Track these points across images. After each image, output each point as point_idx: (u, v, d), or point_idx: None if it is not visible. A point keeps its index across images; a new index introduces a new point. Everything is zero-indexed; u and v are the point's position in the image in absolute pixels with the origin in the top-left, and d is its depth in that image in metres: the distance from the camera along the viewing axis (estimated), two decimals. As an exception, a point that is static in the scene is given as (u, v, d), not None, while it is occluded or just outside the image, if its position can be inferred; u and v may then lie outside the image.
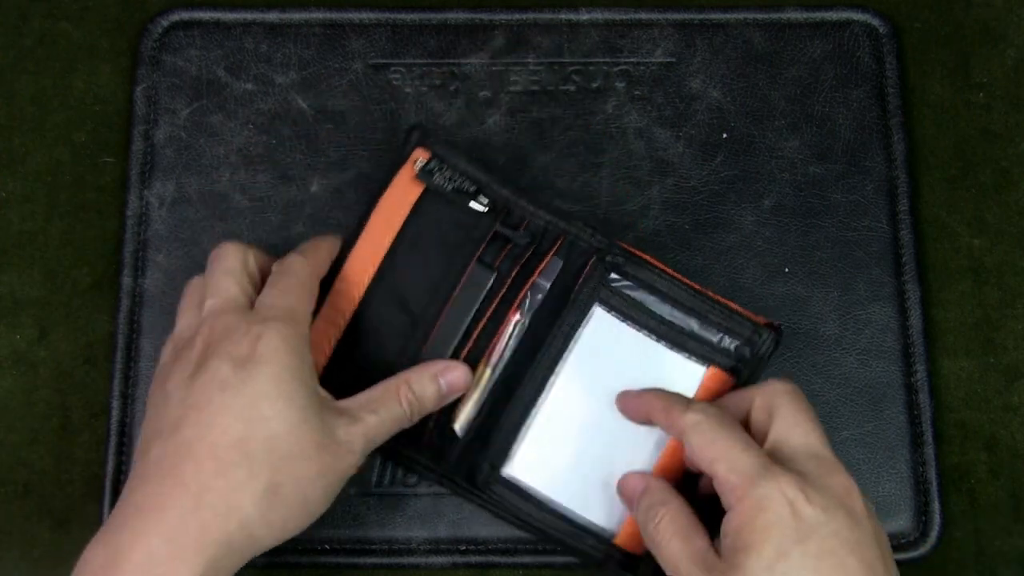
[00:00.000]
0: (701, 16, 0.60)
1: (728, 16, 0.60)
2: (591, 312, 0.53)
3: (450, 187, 0.53)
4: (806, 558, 0.41)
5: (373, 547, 0.53)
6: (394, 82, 0.59)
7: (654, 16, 0.60)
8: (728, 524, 0.43)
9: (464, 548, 0.53)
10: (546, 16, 0.60)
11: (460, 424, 0.52)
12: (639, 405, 0.50)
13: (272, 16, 0.59)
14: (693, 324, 0.52)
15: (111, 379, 0.55)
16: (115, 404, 0.54)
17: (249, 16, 0.59)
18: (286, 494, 0.43)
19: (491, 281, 0.53)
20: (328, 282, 0.52)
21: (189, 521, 0.42)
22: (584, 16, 0.60)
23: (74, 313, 0.56)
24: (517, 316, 0.53)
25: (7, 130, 0.59)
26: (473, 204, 0.53)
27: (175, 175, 0.57)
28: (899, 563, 0.48)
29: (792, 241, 0.57)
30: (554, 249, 0.54)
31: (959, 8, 0.61)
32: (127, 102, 0.59)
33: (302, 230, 0.56)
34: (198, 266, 0.56)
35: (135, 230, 0.56)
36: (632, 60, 0.59)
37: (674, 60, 0.59)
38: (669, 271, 0.53)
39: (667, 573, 0.45)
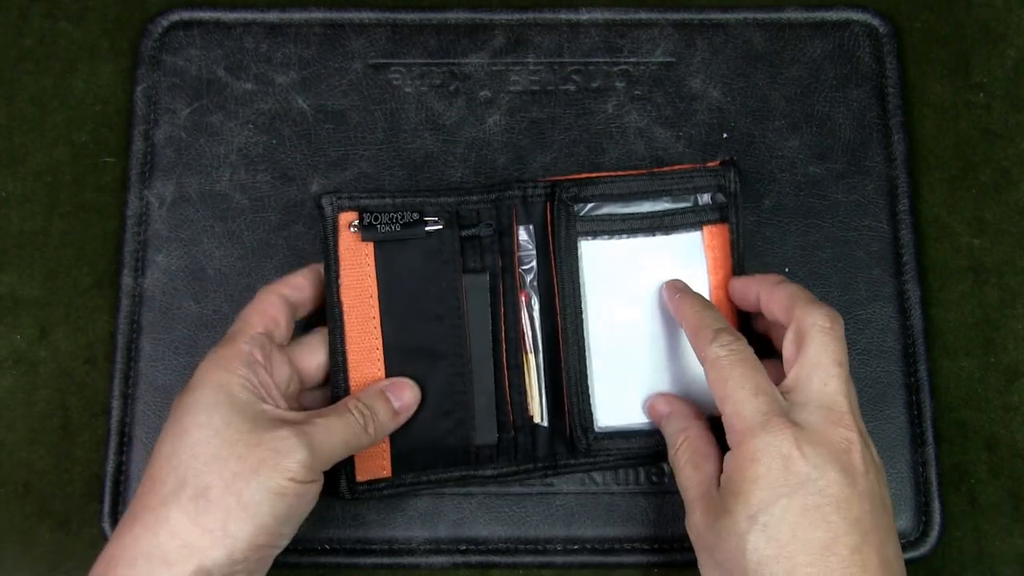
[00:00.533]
0: (701, 16, 0.60)
1: (728, 16, 0.60)
2: (579, 249, 0.53)
3: (398, 227, 0.52)
4: (787, 512, 0.42)
5: (373, 547, 0.53)
6: (394, 82, 0.59)
7: (654, 16, 0.60)
8: (727, 464, 0.45)
9: (464, 548, 0.53)
10: (546, 16, 0.60)
11: (538, 415, 0.53)
12: (675, 308, 0.52)
13: (272, 16, 0.59)
14: (666, 203, 0.54)
15: (111, 379, 0.55)
16: (115, 404, 0.54)
17: (249, 16, 0.59)
18: (216, 496, 0.43)
19: (487, 281, 0.53)
20: (343, 388, 0.52)
21: (124, 541, 0.43)
22: (584, 16, 0.60)
23: (74, 313, 0.56)
24: (524, 296, 0.54)
25: (7, 130, 0.59)
26: (428, 228, 0.52)
27: (175, 175, 0.57)
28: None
29: (792, 241, 0.57)
30: (514, 220, 0.54)
31: (959, 8, 0.61)
32: (127, 102, 0.59)
33: (302, 230, 0.56)
34: (198, 266, 0.56)
35: (135, 230, 0.56)
36: (632, 60, 0.59)
37: (674, 60, 0.59)
38: (614, 173, 0.54)
39: (682, 496, 0.48)
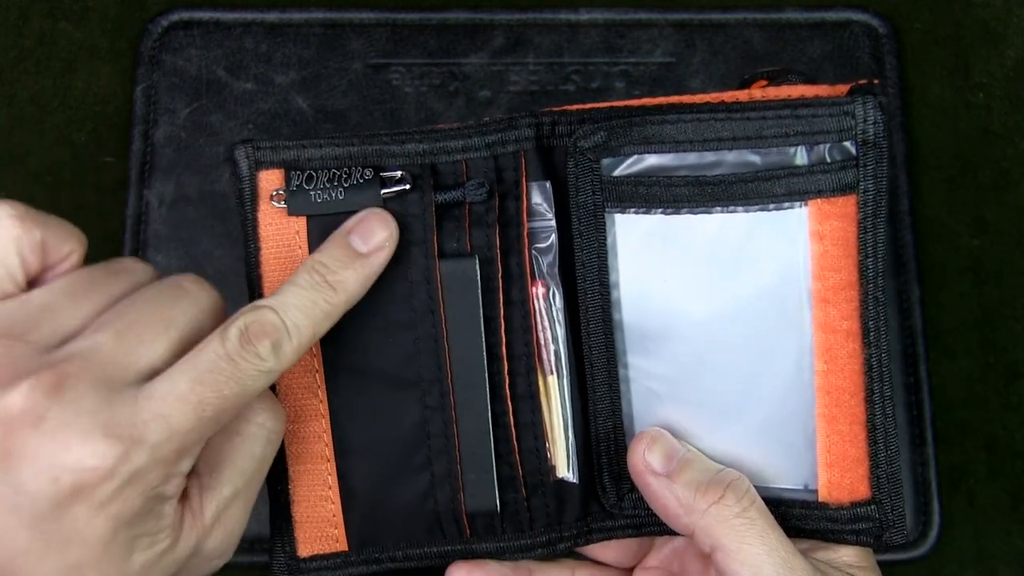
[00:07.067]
0: (701, 16, 0.60)
1: (728, 16, 0.60)
2: (611, 228, 0.37)
3: (340, 193, 0.37)
4: None
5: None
6: (394, 82, 0.59)
7: (654, 16, 0.60)
8: None
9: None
10: (546, 16, 0.60)
11: (564, 465, 0.38)
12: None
13: (272, 16, 0.59)
14: (749, 157, 0.35)
15: (111, 379, 0.55)
16: (115, 404, 0.54)
17: (249, 16, 0.59)
18: None
19: (476, 269, 0.37)
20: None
21: None
22: (584, 16, 0.60)
23: (74, 313, 0.56)
24: (540, 287, 0.38)
25: (7, 130, 0.59)
26: (388, 190, 0.37)
27: (175, 175, 0.57)
28: (899, 563, 0.48)
29: (792, 241, 0.57)
30: (523, 174, 0.38)
31: (959, 8, 0.61)
32: (127, 102, 0.59)
33: (302, 230, 0.56)
34: (198, 266, 0.56)
35: (135, 230, 0.56)
36: (632, 60, 0.59)
37: (674, 60, 0.59)
38: (671, 100, 0.37)
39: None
